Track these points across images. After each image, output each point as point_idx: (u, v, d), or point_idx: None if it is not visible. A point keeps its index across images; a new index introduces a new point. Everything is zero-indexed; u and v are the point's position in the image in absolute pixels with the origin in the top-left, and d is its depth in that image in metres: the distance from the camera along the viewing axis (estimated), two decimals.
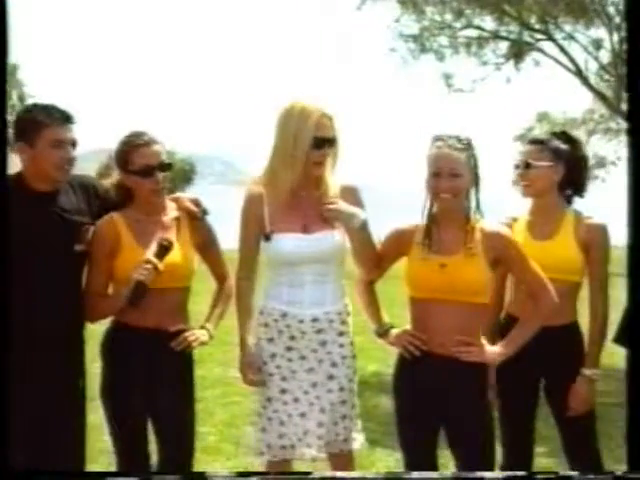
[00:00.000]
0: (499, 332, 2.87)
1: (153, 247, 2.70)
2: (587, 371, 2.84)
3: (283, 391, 2.79)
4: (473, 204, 2.64)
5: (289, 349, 2.79)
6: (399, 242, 2.73)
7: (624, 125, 19.51)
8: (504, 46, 9.67)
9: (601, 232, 2.87)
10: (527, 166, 2.91)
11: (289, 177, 2.71)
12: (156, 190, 2.75)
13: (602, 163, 23.55)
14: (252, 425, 2.92)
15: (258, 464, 3.90)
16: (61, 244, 2.66)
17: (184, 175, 21.54)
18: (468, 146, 2.61)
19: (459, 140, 2.60)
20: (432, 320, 2.64)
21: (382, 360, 6.09)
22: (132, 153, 2.72)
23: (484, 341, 2.68)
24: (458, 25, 9.48)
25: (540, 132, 35.33)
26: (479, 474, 2.57)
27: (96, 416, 2.87)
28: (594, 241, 2.85)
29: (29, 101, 23.49)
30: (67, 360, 2.72)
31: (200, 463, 4.01)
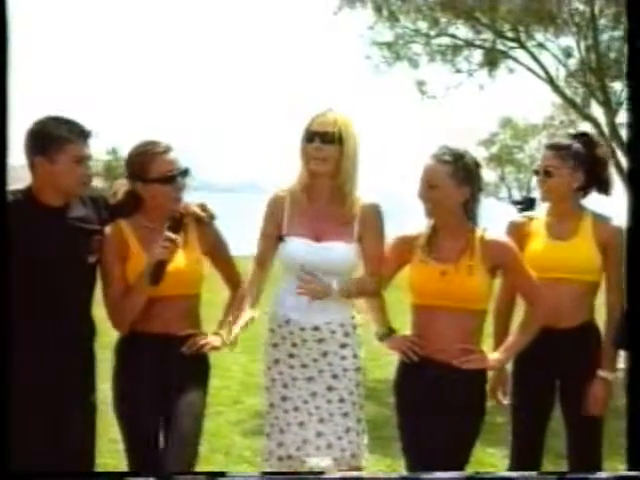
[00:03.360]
0: None
1: (166, 223, 2.66)
2: (603, 373, 2.84)
3: (284, 398, 2.80)
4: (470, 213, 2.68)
5: (291, 356, 2.80)
6: (403, 249, 2.76)
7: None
8: (478, 54, 9.83)
9: (619, 233, 2.87)
10: (547, 174, 2.92)
11: (298, 176, 2.81)
12: (177, 198, 2.72)
13: None
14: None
15: (251, 472, 3.94)
16: (76, 257, 2.62)
17: None
18: (456, 158, 2.64)
19: (448, 152, 2.65)
20: (433, 326, 2.67)
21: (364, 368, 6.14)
22: (152, 162, 2.67)
23: (484, 348, 2.71)
24: (432, 33, 9.59)
25: (504, 137, 35.93)
26: (495, 474, 2.59)
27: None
28: (612, 242, 2.86)
29: None
30: (80, 373, 2.67)
31: None
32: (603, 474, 2.69)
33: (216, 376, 2.89)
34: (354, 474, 2.79)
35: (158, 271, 2.62)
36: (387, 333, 2.82)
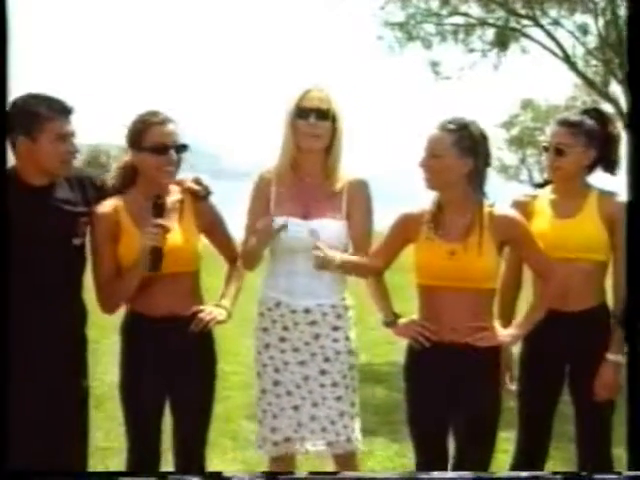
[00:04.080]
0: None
1: (150, 211, 2.61)
2: (611, 356, 2.73)
3: (276, 383, 2.76)
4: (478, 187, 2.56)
5: (282, 340, 2.75)
6: (406, 228, 2.66)
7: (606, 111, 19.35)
8: (491, 33, 9.63)
9: (625, 209, 2.71)
10: (559, 152, 2.79)
11: (284, 153, 2.74)
12: (168, 170, 2.66)
13: None
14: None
15: (257, 457, 3.92)
16: (60, 238, 2.58)
17: None
18: (460, 128, 2.53)
19: (454, 122, 2.55)
20: (441, 308, 2.57)
21: (370, 350, 6.10)
22: (147, 131, 2.63)
23: (496, 324, 2.63)
24: (444, 12, 9.46)
25: (525, 119, 35.44)
26: (498, 474, 2.52)
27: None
28: (618, 218, 2.73)
29: None
30: (68, 358, 2.64)
31: None
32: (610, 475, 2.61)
33: (226, 361, 2.84)
34: (355, 474, 2.75)
35: (156, 258, 2.58)
36: (394, 320, 2.70)
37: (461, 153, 2.52)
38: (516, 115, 35.71)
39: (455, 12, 9.56)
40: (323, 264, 2.61)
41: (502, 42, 9.33)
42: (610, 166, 2.88)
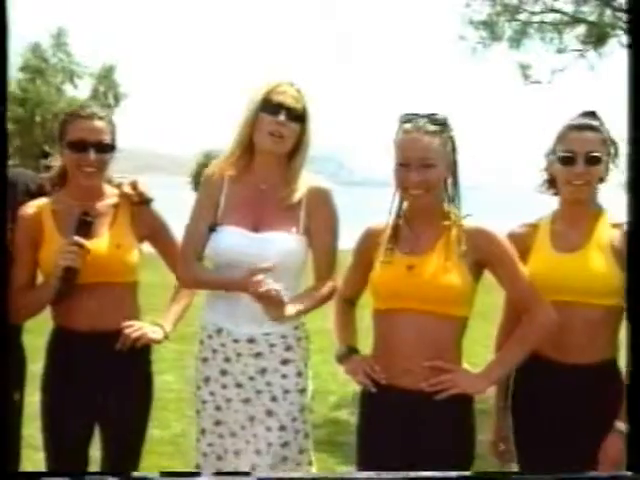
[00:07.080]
0: None
1: (73, 226, 2.37)
2: (622, 425, 2.17)
3: (218, 423, 2.37)
4: (449, 196, 2.18)
5: (224, 373, 2.35)
6: (368, 246, 2.26)
7: None
8: (583, 29, 8.64)
9: None
10: (592, 161, 2.23)
11: (236, 147, 2.34)
12: (86, 171, 2.40)
13: None
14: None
15: None
16: None
17: None
18: (443, 128, 2.15)
19: (432, 120, 2.14)
20: (398, 337, 2.13)
21: None
22: (69, 124, 2.41)
23: (464, 366, 2.16)
24: (536, 9, 8.59)
25: None
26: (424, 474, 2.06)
27: None
28: None
29: (124, 101, 23.77)
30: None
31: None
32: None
33: None
34: (353, 474, 2.38)
35: (67, 279, 2.34)
36: (346, 354, 2.29)
37: (445, 157, 2.16)
38: None
39: (546, 9, 8.69)
40: (277, 317, 2.17)
41: (598, 39, 8.34)
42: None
